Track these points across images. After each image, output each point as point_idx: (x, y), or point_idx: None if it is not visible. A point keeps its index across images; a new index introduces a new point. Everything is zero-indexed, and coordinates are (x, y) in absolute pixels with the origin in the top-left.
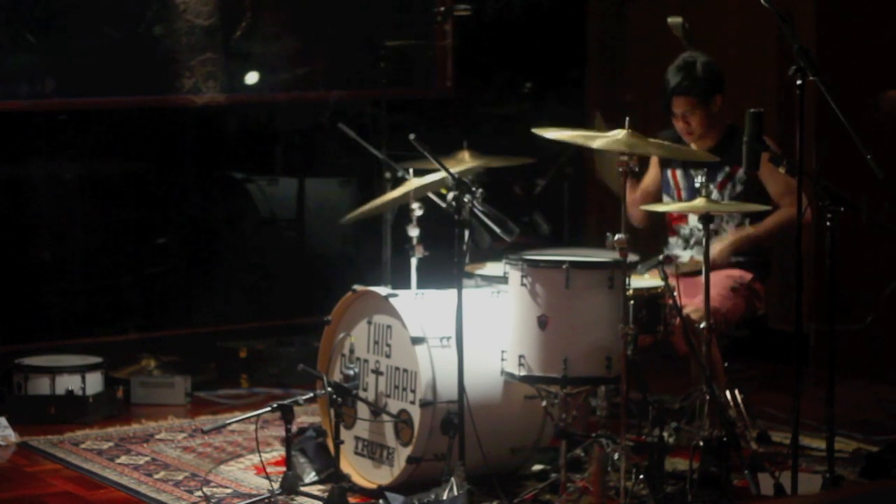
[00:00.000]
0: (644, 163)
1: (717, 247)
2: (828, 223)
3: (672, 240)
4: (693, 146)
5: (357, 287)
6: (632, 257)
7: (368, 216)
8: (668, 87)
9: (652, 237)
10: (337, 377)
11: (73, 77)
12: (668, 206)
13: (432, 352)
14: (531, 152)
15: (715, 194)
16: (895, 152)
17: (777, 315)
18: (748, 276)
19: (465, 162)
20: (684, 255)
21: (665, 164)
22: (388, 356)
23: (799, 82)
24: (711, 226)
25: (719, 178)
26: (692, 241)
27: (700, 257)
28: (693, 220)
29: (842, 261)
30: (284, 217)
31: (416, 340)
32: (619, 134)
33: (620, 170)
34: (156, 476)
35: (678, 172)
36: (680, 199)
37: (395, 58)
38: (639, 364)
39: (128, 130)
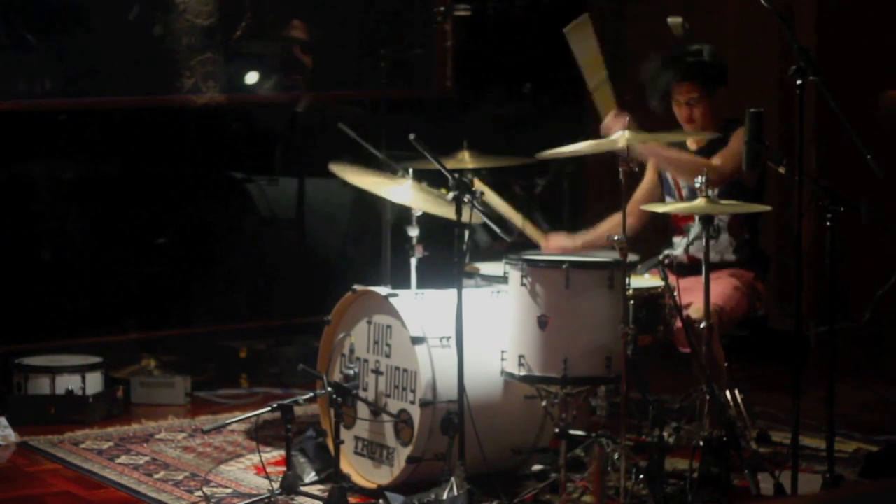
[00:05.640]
0: (642, 168)
1: (644, 145)
2: (828, 223)
3: (677, 239)
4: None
5: (357, 287)
6: (632, 257)
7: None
8: (672, 72)
9: (653, 237)
10: (337, 377)
11: (73, 77)
12: (667, 206)
13: (432, 352)
14: (531, 152)
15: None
16: (895, 152)
17: (777, 315)
18: (749, 274)
19: (464, 162)
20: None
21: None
22: (388, 356)
23: (799, 82)
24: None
25: None
26: (692, 239)
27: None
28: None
29: (841, 260)
30: (284, 217)
31: (416, 340)
32: (622, 134)
33: (622, 169)
34: (156, 476)
35: None
36: (682, 199)
37: (395, 58)
38: (639, 364)
39: (128, 130)
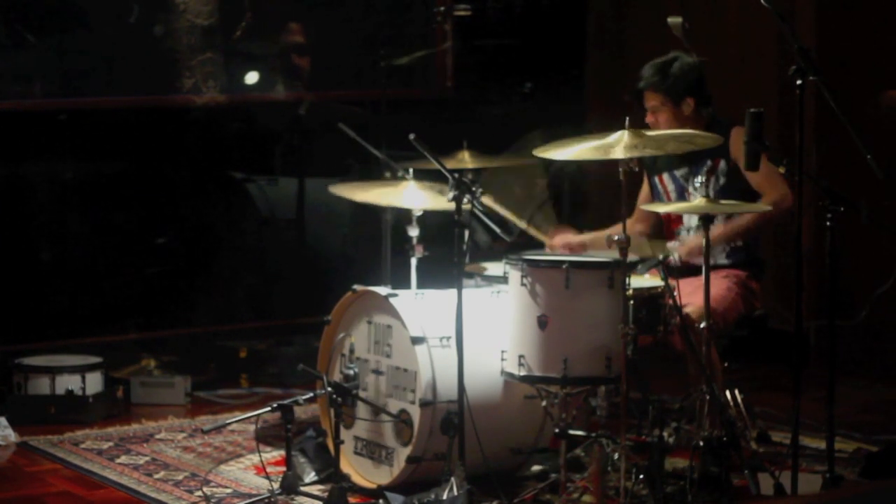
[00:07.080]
0: (643, 169)
1: (685, 249)
2: (828, 223)
3: (670, 244)
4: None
5: (357, 287)
6: (632, 257)
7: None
8: (641, 79)
9: (653, 239)
10: (337, 377)
11: (73, 77)
12: (667, 207)
13: (432, 352)
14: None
15: (701, 189)
16: (895, 152)
17: (776, 315)
18: (743, 274)
19: (464, 162)
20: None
21: (651, 171)
22: (388, 356)
23: (799, 82)
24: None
25: (702, 172)
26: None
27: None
28: (688, 220)
29: (841, 260)
30: (284, 217)
31: (416, 340)
32: (621, 135)
33: (622, 170)
34: (156, 476)
35: (665, 176)
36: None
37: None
38: (639, 364)
39: (128, 130)
